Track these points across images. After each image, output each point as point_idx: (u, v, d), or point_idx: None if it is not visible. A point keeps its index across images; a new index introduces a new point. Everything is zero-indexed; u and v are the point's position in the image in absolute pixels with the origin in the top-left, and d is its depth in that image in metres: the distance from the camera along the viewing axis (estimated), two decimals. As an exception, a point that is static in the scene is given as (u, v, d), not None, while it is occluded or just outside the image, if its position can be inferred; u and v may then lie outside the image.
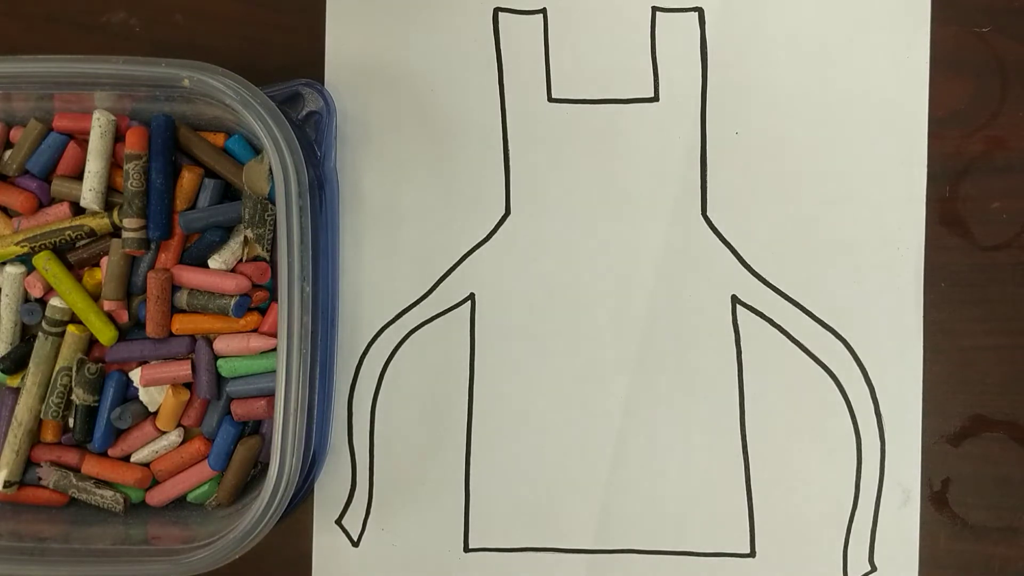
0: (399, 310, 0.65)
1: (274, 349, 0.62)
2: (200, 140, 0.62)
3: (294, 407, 0.56)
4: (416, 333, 0.65)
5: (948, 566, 0.64)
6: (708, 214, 0.64)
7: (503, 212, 0.64)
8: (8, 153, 0.62)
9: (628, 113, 0.64)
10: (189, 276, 0.61)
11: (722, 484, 0.64)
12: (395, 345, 0.65)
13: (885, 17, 0.63)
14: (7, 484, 0.62)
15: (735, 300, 0.64)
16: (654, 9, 0.64)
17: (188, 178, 0.61)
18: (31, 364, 0.62)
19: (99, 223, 0.61)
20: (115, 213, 0.61)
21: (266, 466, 0.62)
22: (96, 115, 0.60)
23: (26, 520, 0.63)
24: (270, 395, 0.62)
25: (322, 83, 0.65)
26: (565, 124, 0.64)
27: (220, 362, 0.62)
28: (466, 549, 0.65)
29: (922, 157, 0.63)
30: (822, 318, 0.63)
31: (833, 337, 0.63)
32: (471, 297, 0.64)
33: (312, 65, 0.65)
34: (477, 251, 0.64)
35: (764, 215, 0.64)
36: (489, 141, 0.64)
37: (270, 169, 0.59)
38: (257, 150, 0.62)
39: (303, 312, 0.57)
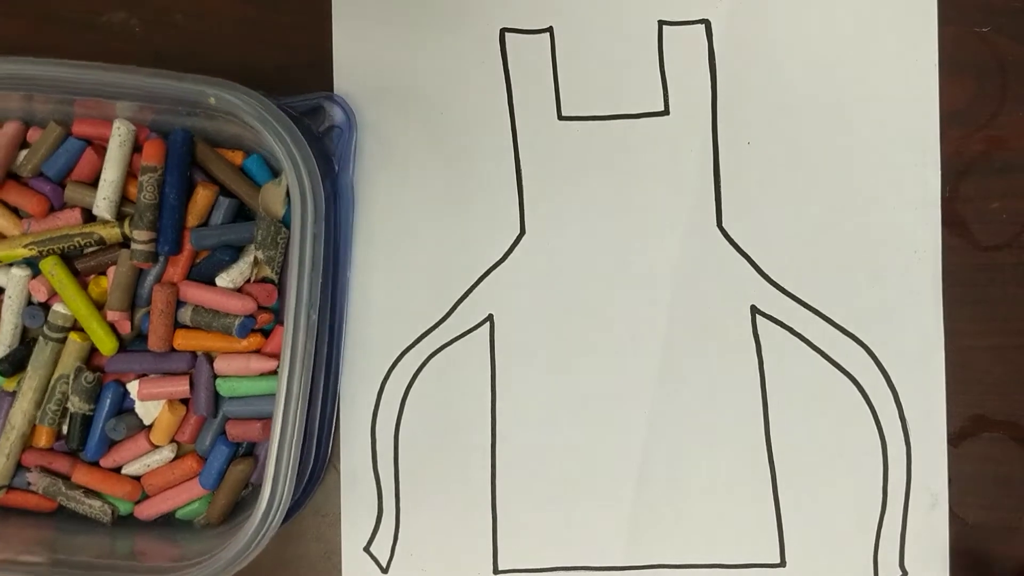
0: (418, 335, 0.64)
1: (274, 372, 0.61)
2: (218, 158, 0.62)
3: (290, 434, 0.56)
4: (436, 357, 0.64)
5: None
6: (723, 225, 0.64)
7: (518, 232, 0.64)
8: (24, 153, 0.62)
9: (639, 128, 0.64)
10: (195, 292, 0.61)
11: (749, 495, 0.64)
12: (415, 369, 0.64)
13: (892, 19, 0.64)
14: None
15: (754, 310, 0.64)
16: (660, 23, 0.64)
17: (202, 195, 0.61)
18: (29, 368, 0.62)
19: (110, 232, 0.61)
20: (126, 224, 0.61)
21: (256, 487, 0.62)
22: (117, 124, 0.60)
23: (12, 525, 0.62)
24: (267, 418, 0.61)
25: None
26: (576, 141, 0.64)
27: (219, 381, 0.62)
28: (495, 571, 0.64)
29: (935, 159, 0.63)
30: (842, 324, 0.63)
31: (854, 343, 0.63)
32: (489, 318, 0.64)
33: (316, 69, 0.65)
34: (494, 272, 0.64)
35: (780, 224, 0.64)
36: (501, 161, 0.64)
37: (287, 193, 0.59)
38: (275, 171, 0.62)
39: (308, 339, 0.56)
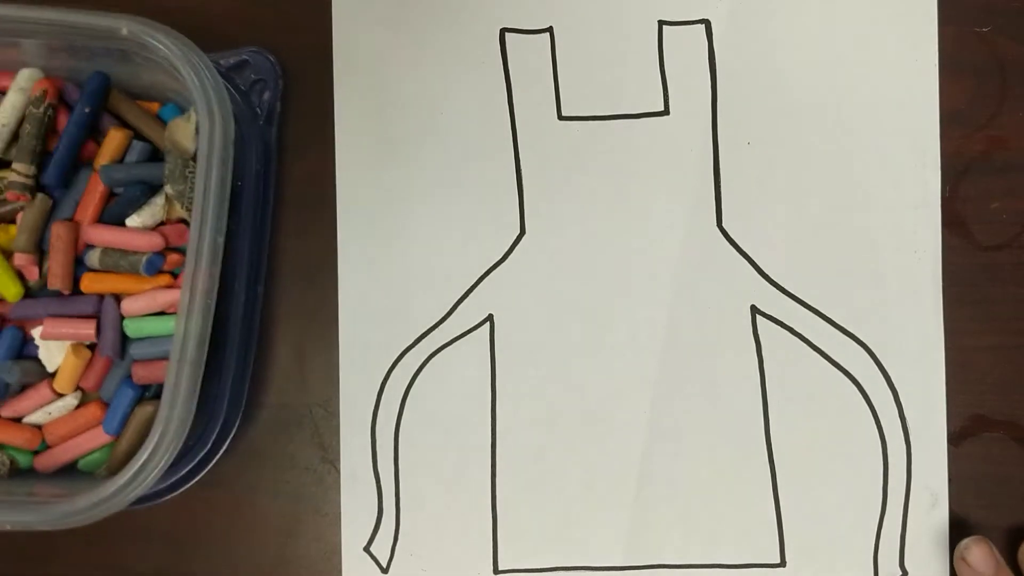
0: (418, 334, 0.64)
1: None
2: (131, 104, 0.61)
3: (190, 359, 0.53)
4: (436, 357, 0.64)
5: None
6: (723, 225, 0.64)
7: (518, 232, 0.64)
8: None
9: (639, 128, 0.64)
10: (101, 234, 0.59)
11: (749, 495, 0.64)
12: (415, 370, 0.64)
13: (892, 19, 0.64)
14: None
15: (754, 310, 0.64)
16: (661, 23, 0.64)
17: (115, 137, 0.60)
18: None
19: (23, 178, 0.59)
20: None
21: None
22: (21, 71, 0.59)
23: None
24: None
25: (332, 119, 0.65)
26: (576, 141, 0.64)
27: (126, 322, 0.60)
28: (496, 571, 0.64)
29: (936, 159, 0.63)
30: (842, 324, 0.63)
31: (854, 343, 0.63)
32: (490, 318, 0.64)
33: (316, 67, 0.65)
34: (494, 272, 0.64)
35: (779, 224, 0.64)
36: (501, 161, 0.64)
37: (196, 128, 0.58)
38: None
39: (212, 265, 0.54)
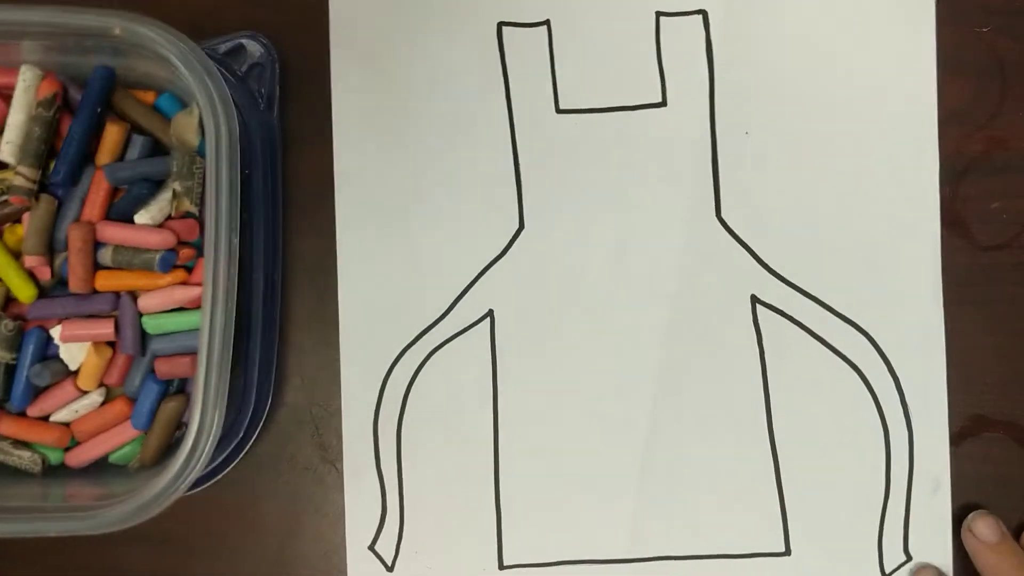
0: (419, 331, 0.64)
1: (199, 304, 0.60)
2: (128, 96, 0.60)
3: (217, 358, 0.54)
4: (437, 353, 0.64)
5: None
6: (723, 216, 0.64)
7: (517, 226, 0.64)
8: None
9: (637, 119, 0.64)
10: (113, 232, 0.59)
11: (753, 484, 0.64)
12: (416, 367, 0.64)
13: (892, 19, 0.64)
14: None
15: (755, 300, 0.64)
16: (658, 14, 0.64)
17: (112, 131, 0.59)
18: None
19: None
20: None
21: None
22: (23, 69, 0.59)
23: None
24: (195, 353, 0.59)
25: (329, 111, 0.65)
26: (574, 134, 0.64)
27: (145, 319, 0.60)
28: (501, 567, 0.64)
29: (934, 150, 0.63)
30: (842, 312, 0.63)
31: (854, 331, 0.63)
32: (490, 313, 0.64)
33: (313, 61, 0.65)
34: (493, 267, 0.64)
35: (778, 214, 0.64)
36: (499, 155, 0.64)
37: (200, 122, 0.58)
38: (187, 106, 0.61)
39: (230, 264, 0.54)
